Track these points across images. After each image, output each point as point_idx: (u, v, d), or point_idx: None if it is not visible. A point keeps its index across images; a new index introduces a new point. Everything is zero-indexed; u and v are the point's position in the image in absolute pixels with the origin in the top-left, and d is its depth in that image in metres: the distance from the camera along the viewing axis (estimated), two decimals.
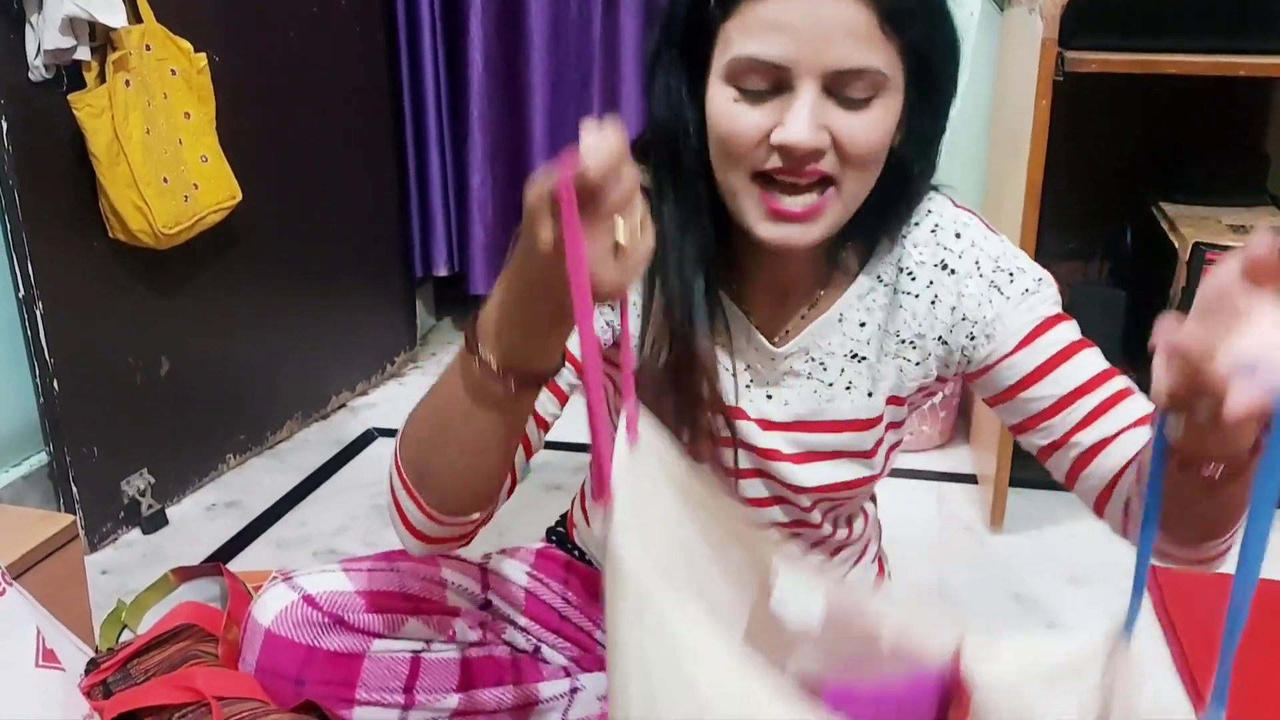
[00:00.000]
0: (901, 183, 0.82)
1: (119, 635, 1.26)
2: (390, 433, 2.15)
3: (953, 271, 0.86)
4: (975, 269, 0.86)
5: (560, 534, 1.16)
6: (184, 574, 1.27)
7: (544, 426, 0.88)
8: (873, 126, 0.75)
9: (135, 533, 1.79)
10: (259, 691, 1.01)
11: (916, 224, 0.87)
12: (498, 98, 2.33)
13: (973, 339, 0.86)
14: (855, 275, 0.88)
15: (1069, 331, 0.86)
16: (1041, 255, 1.81)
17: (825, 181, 0.77)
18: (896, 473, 1.91)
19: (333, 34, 2.08)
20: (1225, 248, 1.67)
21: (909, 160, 0.81)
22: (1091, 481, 0.86)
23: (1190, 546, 0.79)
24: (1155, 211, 1.86)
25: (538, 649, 1.07)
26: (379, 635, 1.00)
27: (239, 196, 1.76)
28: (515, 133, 2.35)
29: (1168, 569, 1.58)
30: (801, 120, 0.72)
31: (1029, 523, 1.77)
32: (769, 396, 0.91)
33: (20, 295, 1.59)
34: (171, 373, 1.84)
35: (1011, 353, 0.86)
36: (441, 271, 2.44)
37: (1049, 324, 0.86)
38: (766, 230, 0.78)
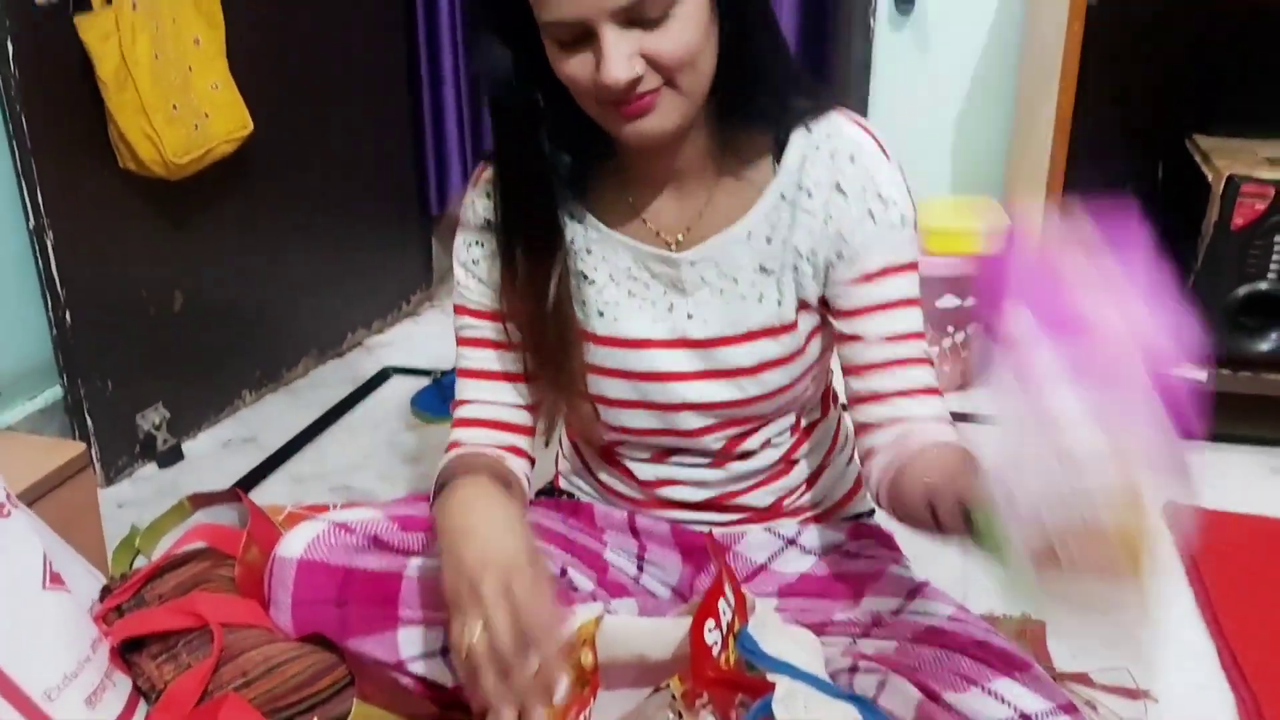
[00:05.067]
0: (745, 57, 0.88)
1: (132, 561, 1.25)
2: (405, 370, 2.14)
3: (843, 193, 0.93)
4: (862, 193, 0.93)
5: (547, 490, 1.21)
6: (200, 500, 1.24)
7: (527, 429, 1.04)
8: (678, 36, 0.82)
9: (151, 467, 1.80)
10: (265, 619, 1.00)
11: (817, 147, 0.93)
12: None
13: (840, 257, 0.94)
14: (761, 190, 0.95)
15: (910, 285, 0.95)
16: (1070, 189, 1.78)
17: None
18: None
19: None
20: (1261, 180, 1.62)
21: (742, 36, 0.87)
22: (858, 417, 0.98)
23: None
24: (1189, 144, 1.81)
25: (564, 571, 1.06)
26: (416, 553, 0.98)
27: (250, 127, 1.74)
28: None
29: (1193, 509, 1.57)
30: (610, 61, 0.81)
31: None
32: (689, 316, 0.98)
33: (31, 225, 1.58)
34: (185, 307, 1.83)
35: (857, 280, 0.94)
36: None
37: (901, 269, 0.94)
38: (626, 131, 0.86)
